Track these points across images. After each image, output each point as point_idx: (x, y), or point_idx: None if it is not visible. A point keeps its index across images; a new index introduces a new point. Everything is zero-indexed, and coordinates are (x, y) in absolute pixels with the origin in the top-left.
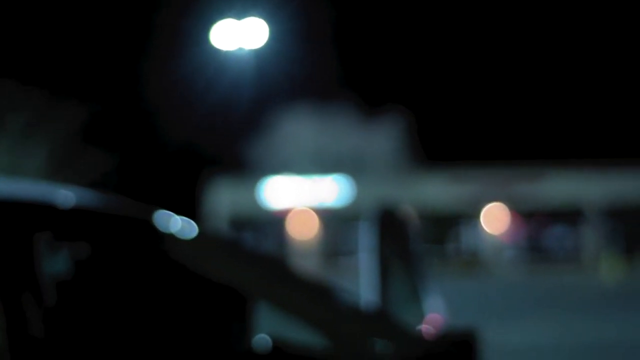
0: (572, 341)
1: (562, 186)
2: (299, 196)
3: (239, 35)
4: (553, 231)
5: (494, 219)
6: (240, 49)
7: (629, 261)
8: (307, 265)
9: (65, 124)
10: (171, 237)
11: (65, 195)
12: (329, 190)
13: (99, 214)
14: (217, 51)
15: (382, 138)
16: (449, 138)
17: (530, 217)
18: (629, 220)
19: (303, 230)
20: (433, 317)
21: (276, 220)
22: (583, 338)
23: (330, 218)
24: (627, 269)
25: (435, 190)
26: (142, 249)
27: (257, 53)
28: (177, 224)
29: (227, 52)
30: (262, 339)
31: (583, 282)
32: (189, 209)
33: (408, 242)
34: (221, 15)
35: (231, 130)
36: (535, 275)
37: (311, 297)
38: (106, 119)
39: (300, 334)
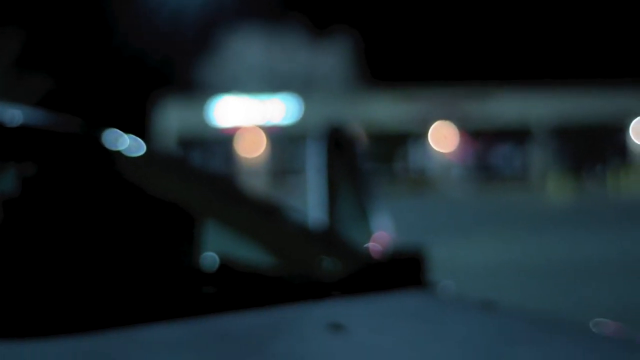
0: (520, 258)
1: (510, 105)
2: (248, 115)
3: None
4: (501, 150)
5: (442, 137)
6: None
7: (575, 180)
8: (255, 184)
9: (10, 45)
10: (119, 155)
11: (12, 114)
12: (277, 109)
13: (46, 132)
14: None
15: (330, 57)
16: (396, 58)
17: (478, 135)
18: (576, 139)
19: (251, 149)
20: (381, 235)
21: (224, 139)
22: (531, 255)
23: (278, 137)
24: (574, 187)
25: (383, 109)
26: (89, 167)
27: None
28: (125, 142)
29: None
30: (209, 257)
31: (531, 201)
32: (137, 128)
33: (356, 161)
34: None
35: (180, 49)
36: (483, 193)
37: (259, 216)
38: (54, 39)
39: (248, 252)
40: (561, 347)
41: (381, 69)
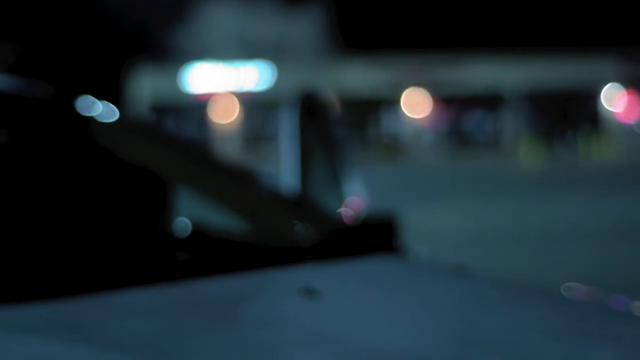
0: (493, 224)
1: (482, 71)
2: (221, 82)
3: None
4: (473, 116)
5: (415, 104)
6: None
7: (547, 146)
8: (228, 150)
9: None
10: (92, 121)
11: None
12: (250, 75)
13: (18, 98)
14: None
15: (303, 24)
16: (369, 25)
17: (450, 102)
18: (548, 105)
19: (224, 115)
20: (353, 201)
21: (198, 106)
22: (503, 221)
23: (251, 103)
24: (545, 153)
25: (355, 76)
26: (62, 133)
27: None
28: (98, 109)
29: None
30: (182, 223)
31: (503, 167)
32: (111, 95)
33: (329, 127)
34: None
35: (154, 16)
36: (455, 159)
37: (232, 182)
38: (27, 5)
39: (221, 219)
40: (532, 312)
41: (354, 35)
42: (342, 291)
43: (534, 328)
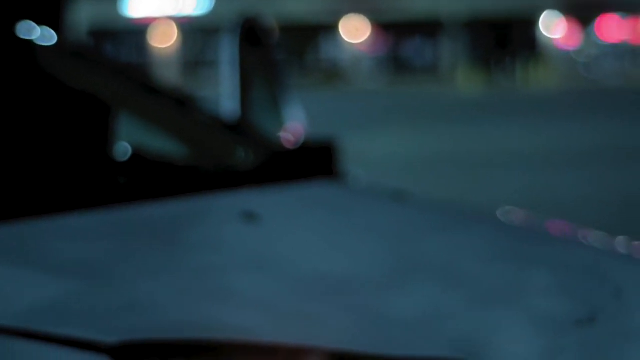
0: (433, 150)
1: None
2: (160, 6)
3: None
4: (412, 42)
5: (354, 30)
6: None
7: (486, 72)
8: (168, 75)
9: None
10: (30, 44)
11: None
12: (189, 0)
13: None
14: None
15: None
16: None
17: (389, 28)
18: (487, 32)
19: (163, 40)
20: (293, 127)
21: (137, 30)
22: (439, 147)
23: (191, 28)
24: (484, 80)
25: (295, 2)
26: (1, 57)
27: None
28: (37, 33)
29: None
30: (122, 147)
31: (442, 93)
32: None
33: (268, 52)
34: None
35: None
36: (394, 85)
37: (171, 107)
38: None
39: (161, 143)
40: (470, 236)
41: None
42: (282, 215)
43: (472, 251)
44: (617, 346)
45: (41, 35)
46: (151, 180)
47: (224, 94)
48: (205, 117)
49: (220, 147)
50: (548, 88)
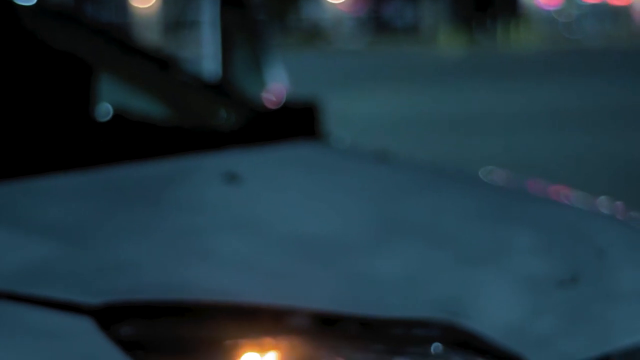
0: (411, 110)
1: None
2: None
3: None
4: (394, 2)
5: None
6: None
7: (466, 33)
8: (148, 36)
9: None
10: (10, 4)
11: None
12: None
13: None
14: None
15: None
16: None
17: None
18: None
19: (144, 0)
20: (275, 87)
21: None
22: (423, 108)
23: None
24: (464, 40)
25: None
26: None
27: None
28: None
29: None
30: (103, 107)
31: (423, 53)
32: None
33: (250, 13)
34: None
35: None
36: (376, 46)
37: (153, 67)
38: None
39: (143, 104)
40: (452, 196)
41: None
42: (265, 176)
43: (455, 212)
44: (599, 306)
45: None
46: (133, 141)
47: (205, 54)
48: (187, 77)
49: (202, 107)
50: (529, 48)
